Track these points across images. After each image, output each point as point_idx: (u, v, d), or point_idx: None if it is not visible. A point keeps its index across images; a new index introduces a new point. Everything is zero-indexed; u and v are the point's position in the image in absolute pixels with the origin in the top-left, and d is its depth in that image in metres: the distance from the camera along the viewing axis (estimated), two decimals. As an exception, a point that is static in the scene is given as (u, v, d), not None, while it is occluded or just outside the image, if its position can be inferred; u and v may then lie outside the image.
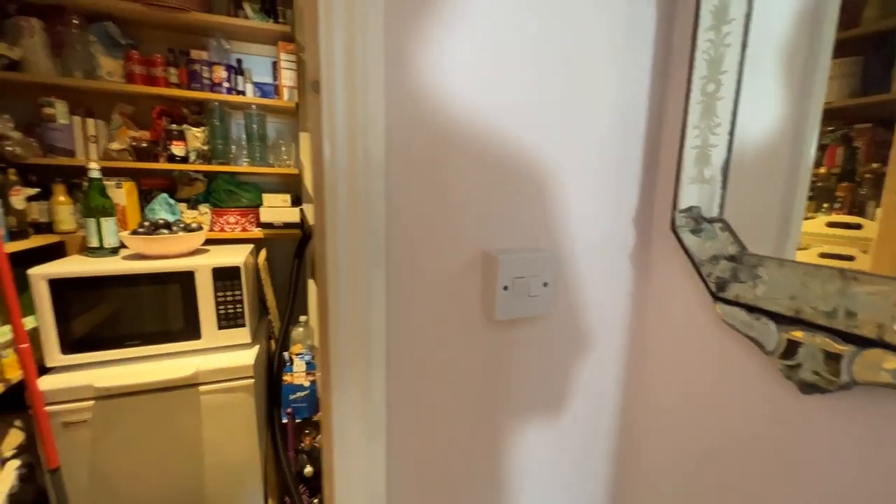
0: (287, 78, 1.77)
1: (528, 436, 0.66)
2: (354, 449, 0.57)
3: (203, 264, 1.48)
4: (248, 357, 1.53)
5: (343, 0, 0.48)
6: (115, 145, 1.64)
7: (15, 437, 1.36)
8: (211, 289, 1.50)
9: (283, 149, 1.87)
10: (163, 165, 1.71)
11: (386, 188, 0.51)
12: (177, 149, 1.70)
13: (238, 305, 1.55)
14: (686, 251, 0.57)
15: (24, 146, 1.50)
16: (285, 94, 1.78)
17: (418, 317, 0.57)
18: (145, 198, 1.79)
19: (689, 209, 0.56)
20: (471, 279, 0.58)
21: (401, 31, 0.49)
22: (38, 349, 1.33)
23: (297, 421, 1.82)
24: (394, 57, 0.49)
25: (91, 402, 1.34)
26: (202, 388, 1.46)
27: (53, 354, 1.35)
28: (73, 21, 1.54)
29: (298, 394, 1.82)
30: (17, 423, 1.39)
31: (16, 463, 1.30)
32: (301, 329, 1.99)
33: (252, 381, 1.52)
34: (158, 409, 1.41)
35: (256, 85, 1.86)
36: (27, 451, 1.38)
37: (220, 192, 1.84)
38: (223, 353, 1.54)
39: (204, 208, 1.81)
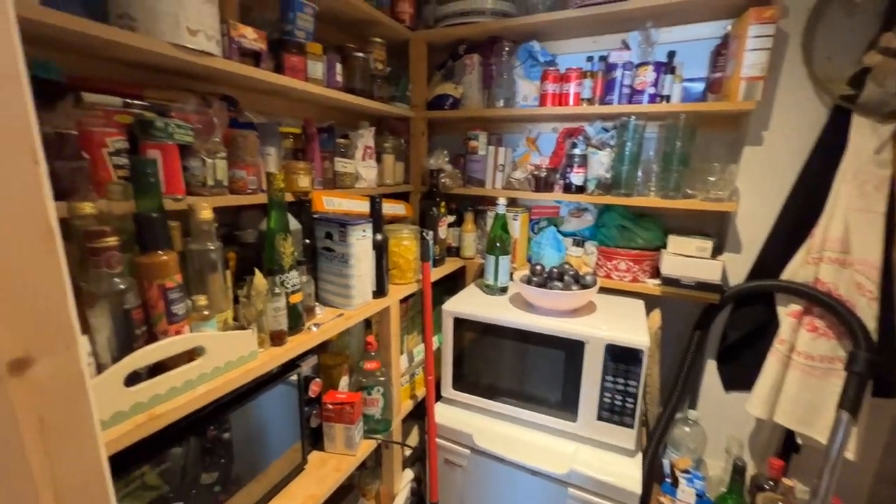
0: (749, 65, 1.13)
1: None
2: None
3: (596, 336, 1.13)
4: (632, 478, 1.09)
5: None
6: (518, 174, 1.56)
7: (412, 441, 1.52)
8: (599, 368, 1.14)
9: (712, 178, 1.26)
10: (557, 196, 1.49)
11: None
12: (576, 177, 1.44)
13: (629, 400, 1.13)
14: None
15: (452, 178, 1.62)
16: (740, 90, 1.15)
17: None
18: (532, 227, 1.67)
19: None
20: None
21: None
22: (437, 368, 1.40)
23: (670, 566, 1.27)
24: None
25: (468, 452, 1.29)
26: (571, 489, 1.15)
27: (447, 386, 1.38)
28: (505, 49, 1.50)
29: (679, 531, 1.26)
30: (415, 430, 1.55)
31: (410, 474, 1.43)
32: (687, 429, 1.39)
33: (634, 513, 1.08)
34: (524, 487, 1.22)
35: (685, 84, 1.33)
36: (418, 460, 1.53)
37: (611, 227, 1.47)
38: (599, 453, 1.18)
39: (591, 247, 1.50)
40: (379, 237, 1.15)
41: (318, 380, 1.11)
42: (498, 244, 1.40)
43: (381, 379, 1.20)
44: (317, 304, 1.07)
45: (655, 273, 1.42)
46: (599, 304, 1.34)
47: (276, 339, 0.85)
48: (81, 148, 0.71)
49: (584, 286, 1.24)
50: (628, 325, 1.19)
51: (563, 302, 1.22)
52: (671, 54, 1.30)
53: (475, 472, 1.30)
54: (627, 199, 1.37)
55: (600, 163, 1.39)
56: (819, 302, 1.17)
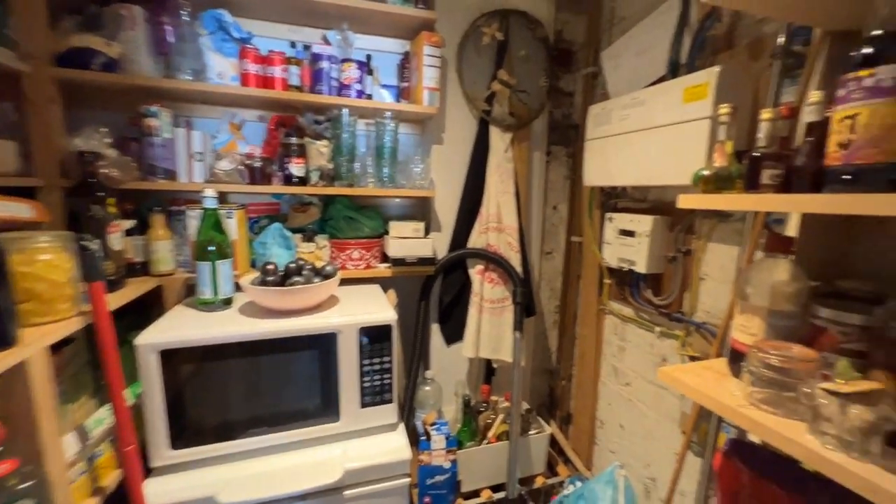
0: (429, 78, 1.40)
1: None
2: None
3: (347, 322, 1.11)
4: (401, 447, 1.14)
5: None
6: (225, 164, 1.30)
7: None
8: (355, 354, 1.12)
9: (418, 168, 1.49)
10: (277, 189, 1.36)
11: None
12: (296, 168, 1.35)
13: (386, 376, 1.17)
14: None
15: (121, 167, 1.17)
16: (424, 97, 1.41)
17: None
18: (251, 227, 1.45)
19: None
20: None
21: None
22: (140, 432, 0.98)
23: (436, 513, 1.43)
24: None
25: (212, 521, 0.98)
26: (347, 492, 1.07)
27: (161, 450, 0.99)
28: (183, 9, 1.21)
29: (437, 477, 1.43)
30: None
31: None
32: (427, 388, 1.60)
33: (407, 480, 1.13)
34: (294, 523, 1.04)
35: (383, 89, 1.50)
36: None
37: (339, 219, 1.48)
38: (366, 440, 1.16)
39: (322, 240, 1.45)
40: (-16, 247, 0.67)
41: None
42: (212, 248, 1.13)
43: (25, 486, 0.71)
44: None
45: (384, 259, 1.54)
46: (341, 296, 1.32)
47: None
48: None
49: (327, 276, 1.18)
50: (373, 306, 1.22)
51: (309, 297, 1.12)
52: (368, 57, 1.44)
53: (226, 541, 1.00)
54: (350, 189, 1.41)
55: (320, 152, 1.36)
56: (492, 260, 1.60)
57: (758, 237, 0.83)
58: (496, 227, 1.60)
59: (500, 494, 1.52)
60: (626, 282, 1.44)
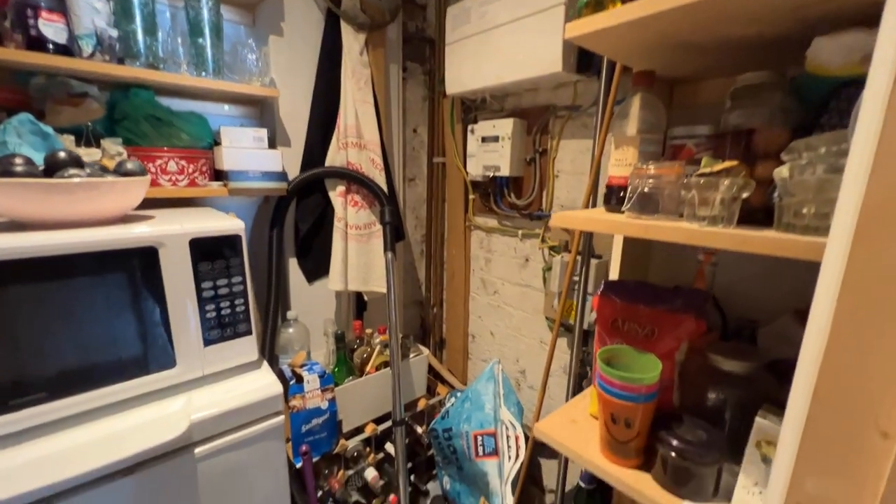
0: (257, -64, 1.10)
1: None
2: None
3: (172, 232, 0.81)
4: (269, 383, 0.93)
5: None
6: None
7: None
8: (189, 276, 0.84)
9: (252, 55, 1.19)
10: (16, 54, 0.88)
11: None
12: (50, 27, 0.90)
13: (239, 302, 0.92)
14: None
15: None
16: (253, -36, 1.12)
17: None
18: (-28, 123, 0.93)
19: None
20: None
21: None
22: None
23: (316, 459, 1.28)
24: None
25: (-50, 547, 0.61)
26: (199, 448, 0.82)
27: None
28: None
29: (315, 421, 1.28)
30: None
31: None
32: (291, 330, 1.39)
33: (281, 419, 0.94)
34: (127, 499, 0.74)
35: (190, -55, 1.13)
36: None
37: (140, 120, 1.08)
38: (217, 386, 0.91)
39: (113, 146, 1.03)
40: None
41: None
42: None
43: None
44: None
45: (217, 177, 1.21)
46: (155, 215, 0.98)
47: None
48: None
49: (127, 174, 0.84)
50: (206, 218, 0.94)
51: (103, 197, 0.77)
52: None
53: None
54: (153, 73, 1.03)
55: (94, 8, 0.94)
56: (354, 180, 1.44)
57: (615, 95, 0.91)
58: (356, 143, 1.44)
59: (386, 425, 1.45)
60: (490, 191, 1.49)
